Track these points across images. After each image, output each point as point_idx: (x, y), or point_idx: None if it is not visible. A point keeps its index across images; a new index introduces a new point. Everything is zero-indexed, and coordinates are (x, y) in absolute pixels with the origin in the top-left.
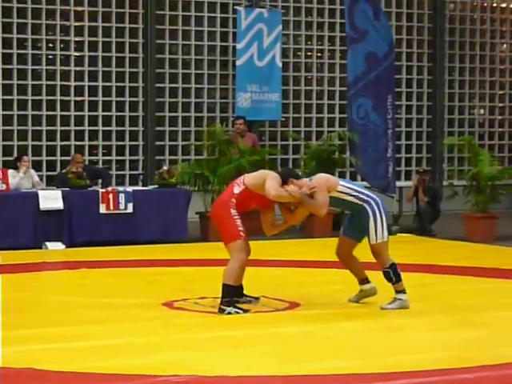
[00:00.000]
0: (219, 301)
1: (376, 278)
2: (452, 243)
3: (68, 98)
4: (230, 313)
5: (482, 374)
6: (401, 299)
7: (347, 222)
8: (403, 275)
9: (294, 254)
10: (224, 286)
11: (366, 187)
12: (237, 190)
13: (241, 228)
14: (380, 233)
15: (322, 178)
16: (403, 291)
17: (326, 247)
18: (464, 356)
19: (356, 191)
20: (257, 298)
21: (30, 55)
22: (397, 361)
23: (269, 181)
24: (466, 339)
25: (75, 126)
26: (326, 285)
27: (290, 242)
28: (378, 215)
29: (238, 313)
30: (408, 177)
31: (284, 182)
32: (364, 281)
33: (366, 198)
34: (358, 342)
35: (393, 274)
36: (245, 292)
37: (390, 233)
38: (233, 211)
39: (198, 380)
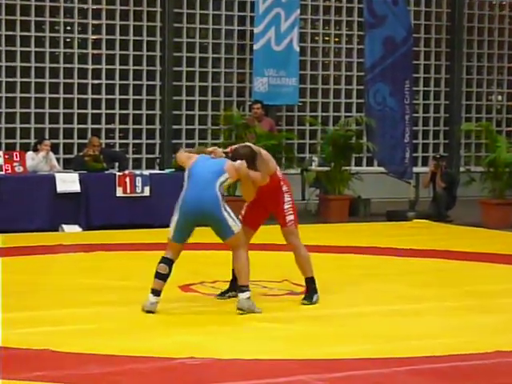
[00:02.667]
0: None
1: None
2: (468, 229)
3: (85, 81)
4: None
5: (498, 360)
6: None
7: None
8: (420, 261)
9: (309, 239)
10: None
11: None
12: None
13: (242, 212)
14: (170, 227)
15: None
16: (153, 291)
17: (341, 232)
18: (480, 342)
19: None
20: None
21: (48, 38)
22: (411, 346)
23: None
24: (481, 325)
25: (92, 109)
26: (341, 270)
27: (305, 227)
28: (175, 210)
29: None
30: (425, 163)
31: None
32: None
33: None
34: (372, 327)
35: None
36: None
37: (406, 218)
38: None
39: (214, 363)
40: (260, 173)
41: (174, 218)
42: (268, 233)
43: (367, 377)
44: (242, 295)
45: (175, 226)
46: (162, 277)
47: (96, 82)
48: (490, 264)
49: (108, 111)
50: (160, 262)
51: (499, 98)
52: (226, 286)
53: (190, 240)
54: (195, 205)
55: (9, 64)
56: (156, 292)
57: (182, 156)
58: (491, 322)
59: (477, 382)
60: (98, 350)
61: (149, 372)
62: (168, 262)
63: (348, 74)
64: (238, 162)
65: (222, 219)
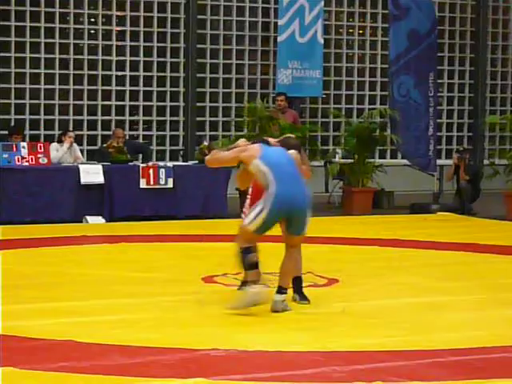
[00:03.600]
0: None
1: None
2: (492, 222)
3: (110, 73)
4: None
5: None
6: (248, 291)
7: None
8: (444, 254)
9: (332, 231)
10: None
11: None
12: None
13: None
14: (251, 218)
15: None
16: (256, 282)
17: (365, 224)
18: (503, 334)
19: (266, 174)
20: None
21: (72, 29)
22: (434, 338)
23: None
24: (505, 318)
25: (116, 100)
26: (364, 262)
27: (328, 219)
28: (261, 203)
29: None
30: (449, 155)
31: None
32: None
33: (271, 187)
34: (397, 319)
35: (243, 258)
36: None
37: (430, 211)
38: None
39: (237, 354)
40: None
41: (262, 213)
42: None
43: (390, 369)
44: (279, 297)
45: (263, 221)
46: (257, 265)
47: (120, 73)
48: None
49: (132, 103)
50: (248, 253)
51: None
52: None
53: (214, 232)
54: (290, 201)
55: (33, 55)
56: (257, 282)
57: (246, 153)
58: None
59: (500, 375)
60: (122, 341)
61: (172, 363)
62: (255, 250)
63: (372, 66)
64: (292, 151)
65: (308, 216)
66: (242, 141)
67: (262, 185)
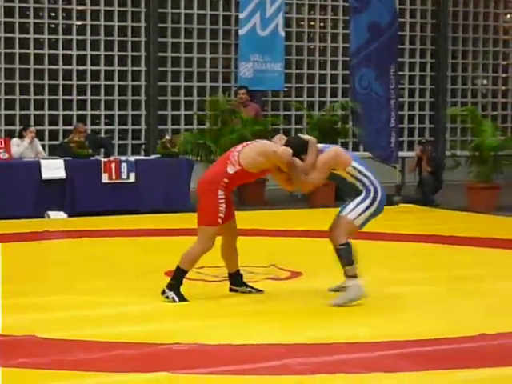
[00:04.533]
0: (222, 270)
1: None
2: (454, 213)
3: (70, 67)
4: (167, 297)
5: (483, 343)
6: (351, 285)
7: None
8: (406, 245)
9: (296, 224)
10: (178, 268)
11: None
12: (231, 169)
13: (221, 214)
14: (357, 215)
15: (330, 153)
16: (355, 276)
17: (328, 217)
18: (465, 325)
19: (364, 176)
20: (259, 291)
21: (32, 24)
22: (397, 330)
23: (290, 170)
24: (466, 309)
25: (77, 95)
26: (328, 254)
27: (291, 211)
28: (367, 202)
29: (174, 300)
30: (411, 147)
31: (296, 152)
32: None
33: (369, 185)
34: (359, 311)
35: (347, 252)
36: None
37: (392, 203)
38: (220, 193)
39: (200, 348)
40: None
41: (370, 210)
42: (254, 218)
43: (353, 361)
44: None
45: (369, 217)
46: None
47: (81, 67)
48: (476, 248)
49: (93, 97)
50: (350, 247)
51: (484, 82)
52: (216, 271)
53: (177, 226)
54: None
55: None
56: (357, 275)
57: (343, 158)
58: (476, 306)
59: (462, 365)
60: (84, 337)
61: (134, 358)
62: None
63: (333, 59)
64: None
65: None
66: (277, 137)
67: (353, 187)
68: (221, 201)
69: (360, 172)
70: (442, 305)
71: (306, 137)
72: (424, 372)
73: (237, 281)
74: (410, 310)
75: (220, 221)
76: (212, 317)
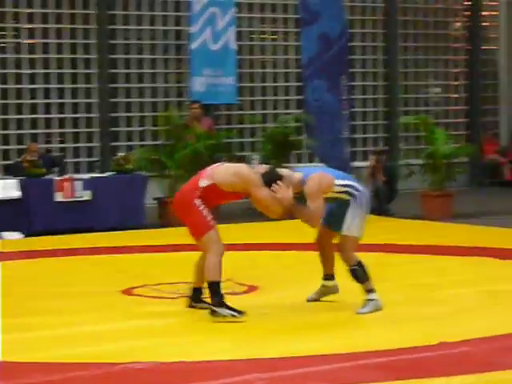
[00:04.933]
0: (179, 287)
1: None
2: (410, 222)
3: (20, 86)
4: (224, 316)
5: (442, 352)
6: (373, 299)
7: (328, 212)
8: (361, 255)
9: (252, 237)
10: (210, 284)
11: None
12: (203, 183)
13: (209, 217)
14: (355, 227)
15: (314, 180)
16: (373, 290)
17: (284, 230)
18: (424, 334)
19: (348, 186)
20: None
21: None
22: (355, 341)
23: (257, 190)
24: (425, 317)
25: (30, 114)
26: (284, 268)
27: (248, 225)
28: (358, 210)
29: (233, 315)
30: (365, 157)
31: (268, 185)
32: (329, 277)
33: (355, 192)
34: (317, 324)
35: (361, 272)
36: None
37: None
38: (197, 201)
39: (158, 367)
40: None
41: (362, 214)
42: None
43: (313, 374)
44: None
45: (364, 221)
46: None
47: (32, 86)
48: (432, 256)
49: (45, 116)
50: (362, 266)
51: (436, 90)
52: (174, 288)
53: (133, 243)
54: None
55: None
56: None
57: (327, 180)
58: (434, 314)
59: (422, 374)
60: (41, 359)
61: (92, 378)
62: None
63: (286, 71)
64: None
65: None
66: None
67: (341, 200)
68: (201, 207)
69: (345, 185)
70: (399, 314)
71: (282, 170)
72: (386, 383)
73: (196, 297)
74: (369, 320)
75: (212, 222)
76: (170, 334)
